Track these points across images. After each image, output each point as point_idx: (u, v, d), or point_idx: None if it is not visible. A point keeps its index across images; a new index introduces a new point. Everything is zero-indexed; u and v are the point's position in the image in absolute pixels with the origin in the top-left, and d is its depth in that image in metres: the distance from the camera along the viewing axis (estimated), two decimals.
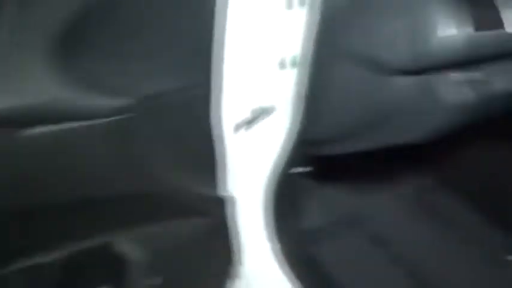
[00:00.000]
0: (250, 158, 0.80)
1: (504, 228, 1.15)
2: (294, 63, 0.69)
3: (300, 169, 0.90)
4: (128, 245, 0.88)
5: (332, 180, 1.21)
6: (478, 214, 1.19)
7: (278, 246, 0.86)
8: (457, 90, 0.57)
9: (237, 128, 0.75)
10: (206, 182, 0.73)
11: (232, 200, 0.79)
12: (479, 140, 1.18)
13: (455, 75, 0.58)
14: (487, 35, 0.54)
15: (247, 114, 0.74)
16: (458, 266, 1.10)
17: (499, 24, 0.55)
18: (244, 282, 0.86)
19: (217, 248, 0.77)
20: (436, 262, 1.10)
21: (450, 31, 0.53)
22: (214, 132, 0.73)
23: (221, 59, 0.68)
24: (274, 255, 0.87)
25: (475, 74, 0.57)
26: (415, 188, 1.28)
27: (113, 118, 0.69)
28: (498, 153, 1.18)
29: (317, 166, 0.99)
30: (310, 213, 1.11)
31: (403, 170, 1.28)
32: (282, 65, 0.69)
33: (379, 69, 0.59)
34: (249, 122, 0.76)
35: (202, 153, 0.73)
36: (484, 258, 1.11)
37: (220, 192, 0.78)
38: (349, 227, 1.16)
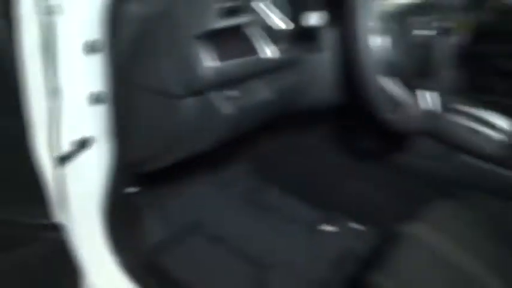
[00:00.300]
0: (81, 185, 0.87)
1: (316, 204, 1.42)
2: (100, 99, 0.80)
3: (131, 189, 1.01)
4: None
5: (166, 194, 1.34)
6: (295, 198, 1.45)
7: (122, 261, 0.95)
8: (226, 104, 0.75)
9: (61, 160, 0.83)
10: (36, 212, 0.79)
11: (65, 226, 0.86)
12: (282, 137, 1.44)
13: (226, 93, 0.77)
14: (238, 62, 0.73)
15: (67, 147, 0.83)
16: (287, 243, 1.32)
17: (247, 53, 0.75)
18: None
19: (60, 270, 0.83)
20: (269, 244, 1.30)
21: (212, 62, 0.70)
22: (38, 166, 0.79)
23: (33, 99, 0.75)
24: (121, 269, 0.95)
25: (234, 92, 0.76)
26: (238, 183, 1.49)
27: None
28: (301, 143, 1.47)
29: (146, 184, 1.10)
30: (153, 227, 1.22)
31: (225, 171, 1.49)
32: (93, 101, 0.80)
33: (168, 95, 0.74)
34: (71, 154, 0.83)
35: (28, 187, 0.79)
36: (305, 232, 1.35)
37: (53, 220, 0.84)
38: (190, 233, 1.29)
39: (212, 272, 1.18)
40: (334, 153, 1.38)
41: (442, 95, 1.09)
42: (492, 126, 1.19)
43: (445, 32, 0.91)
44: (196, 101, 0.74)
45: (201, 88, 0.72)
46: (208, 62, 0.68)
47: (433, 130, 1.11)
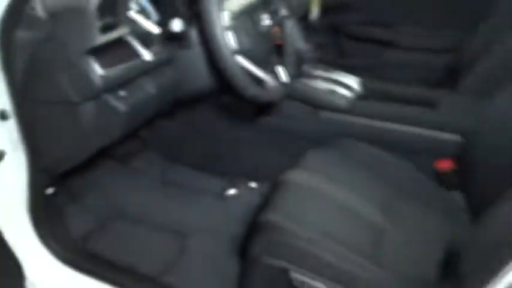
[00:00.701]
0: (5, 193, 0.99)
1: (220, 173, 1.64)
2: (5, 116, 0.91)
3: (50, 190, 1.14)
4: None
5: (84, 189, 1.48)
6: (202, 172, 1.66)
7: (55, 252, 1.08)
8: (120, 103, 0.92)
9: None
10: None
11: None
12: (179, 122, 1.63)
13: (118, 94, 0.94)
14: (124, 67, 0.90)
15: None
16: (201, 212, 1.51)
17: (130, 58, 0.93)
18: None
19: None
20: (185, 216, 1.48)
21: (101, 71, 0.87)
22: None
23: None
24: (56, 259, 1.09)
25: (124, 92, 0.93)
26: (150, 169, 1.68)
27: None
28: (196, 123, 1.66)
29: (63, 183, 1.23)
30: (77, 220, 1.35)
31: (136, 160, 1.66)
32: (1, 117, 0.92)
33: (68, 103, 0.89)
34: None
35: None
36: (214, 200, 1.56)
37: None
38: (113, 219, 1.44)
39: (139, 248, 1.35)
40: (225, 127, 1.59)
41: (298, 66, 1.36)
42: (344, 85, 1.50)
43: (285, 18, 1.16)
44: (94, 104, 0.90)
45: (96, 93, 0.89)
46: (98, 70, 0.85)
47: (294, 95, 1.38)
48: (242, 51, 0.97)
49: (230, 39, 0.92)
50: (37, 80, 0.89)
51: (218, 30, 0.88)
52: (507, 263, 0.63)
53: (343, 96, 1.44)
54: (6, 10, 0.80)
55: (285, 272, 0.97)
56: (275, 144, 1.53)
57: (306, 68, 1.48)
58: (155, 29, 1.01)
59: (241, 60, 0.96)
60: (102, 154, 1.46)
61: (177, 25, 0.99)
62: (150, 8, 1.07)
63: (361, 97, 1.47)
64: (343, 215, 1.08)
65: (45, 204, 1.08)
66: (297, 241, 0.96)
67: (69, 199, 1.37)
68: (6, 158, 0.95)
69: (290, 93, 1.41)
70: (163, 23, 1.01)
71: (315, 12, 2.00)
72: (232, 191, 1.57)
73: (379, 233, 1.05)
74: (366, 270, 0.93)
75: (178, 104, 1.20)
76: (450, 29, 1.97)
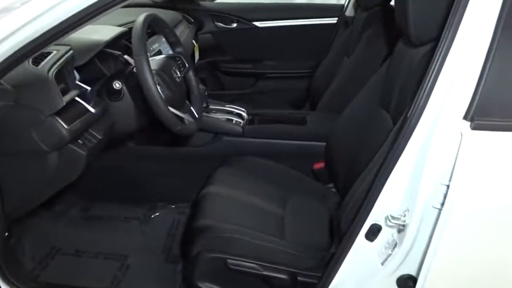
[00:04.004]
0: None
1: (141, 201, 1.88)
2: None
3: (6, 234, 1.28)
4: None
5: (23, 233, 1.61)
6: (124, 203, 1.88)
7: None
8: (82, 149, 1.17)
9: None
10: None
11: None
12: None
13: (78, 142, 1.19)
14: (80, 120, 1.16)
15: None
16: (131, 236, 1.74)
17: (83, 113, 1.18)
18: None
19: None
20: (118, 242, 1.69)
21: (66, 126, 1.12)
22: None
23: None
24: None
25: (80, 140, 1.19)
26: (71, 209, 1.86)
27: None
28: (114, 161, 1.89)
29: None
30: (22, 259, 1.47)
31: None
32: None
33: (38, 153, 1.10)
34: None
35: None
36: (141, 224, 1.80)
37: None
38: (52, 256, 1.59)
39: (85, 273, 1.54)
40: (143, 160, 1.85)
41: (202, 104, 1.70)
42: (235, 114, 1.88)
43: (188, 69, 1.50)
44: (58, 153, 1.13)
45: (64, 144, 1.12)
46: (65, 126, 1.09)
47: (201, 127, 1.71)
48: (167, 99, 1.27)
49: (160, 92, 1.22)
50: (7, 137, 1.08)
51: (153, 87, 1.17)
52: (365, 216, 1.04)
53: (236, 123, 1.82)
54: None
55: (223, 261, 1.29)
56: (186, 170, 1.84)
57: (205, 104, 1.84)
58: (87, 88, 1.27)
59: (169, 106, 1.27)
60: None
61: (117, 84, 1.26)
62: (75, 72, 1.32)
63: (249, 122, 1.87)
64: (254, 211, 1.43)
65: (5, 247, 1.23)
66: (229, 235, 1.28)
67: (15, 242, 1.49)
68: None
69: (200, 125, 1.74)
70: (87, 81, 1.27)
71: (196, 55, 2.38)
72: (155, 214, 1.83)
73: (279, 219, 1.42)
74: (278, 244, 1.29)
75: (111, 145, 1.44)
76: (306, 60, 2.50)
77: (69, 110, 1.14)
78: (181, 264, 1.55)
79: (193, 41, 2.32)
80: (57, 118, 1.09)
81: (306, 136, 1.80)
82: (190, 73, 1.52)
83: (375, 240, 1.04)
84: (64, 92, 1.14)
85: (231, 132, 1.79)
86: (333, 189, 1.68)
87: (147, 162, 1.86)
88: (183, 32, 2.20)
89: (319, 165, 1.75)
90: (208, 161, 1.75)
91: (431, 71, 0.88)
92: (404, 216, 0.97)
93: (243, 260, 1.28)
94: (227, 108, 1.88)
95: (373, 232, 1.04)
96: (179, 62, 1.47)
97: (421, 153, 0.93)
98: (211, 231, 1.30)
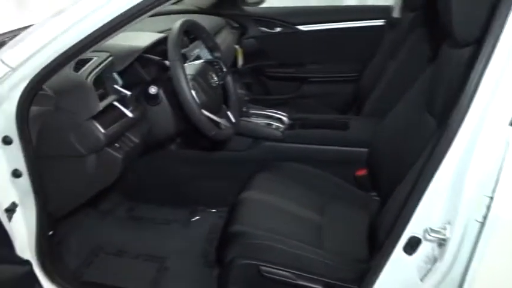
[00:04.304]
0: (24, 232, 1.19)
1: (183, 205, 1.91)
2: (18, 174, 1.12)
3: (50, 232, 1.34)
4: None
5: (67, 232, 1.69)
6: (166, 205, 1.91)
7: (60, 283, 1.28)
8: (118, 153, 1.20)
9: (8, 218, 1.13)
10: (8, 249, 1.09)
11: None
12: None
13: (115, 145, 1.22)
14: (117, 125, 1.19)
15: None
16: (172, 238, 1.76)
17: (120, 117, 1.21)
18: None
19: None
20: (159, 243, 1.72)
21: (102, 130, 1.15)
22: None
23: None
24: None
25: (117, 144, 1.21)
26: (117, 209, 1.92)
27: None
28: (157, 164, 1.93)
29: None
30: (66, 258, 1.54)
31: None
32: (14, 176, 1.13)
33: (77, 156, 1.14)
34: (9, 215, 1.14)
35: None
36: (181, 227, 1.82)
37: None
38: (98, 253, 1.65)
39: (125, 273, 1.58)
40: (185, 163, 1.88)
41: (241, 109, 1.70)
42: (276, 119, 1.86)
43: (226, 74, 1.50)
44: (96, 155, 1.16)
45: (100, 147, 1.15)
46: (102, 130, 1.12)
47: (240, 131, 1.71)
48: (202, 104, 1.28)
49: (195, 97, 1.23)
50: (48, 141, 1.13)
51: (187, 92, 1.19)
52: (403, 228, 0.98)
53: (276, 128, 1.80)
54: (22, 93, 1.05)
55: (256, 267, 1.27)
56: (226, 174, 1.84)
57: (244, 108, 1.83)
58: (127, 93, 1.30)
59: (204, 111, 1.28)
60: None
61: (153, 89, 1.29)
62: (116, 77, 1.36)
63: (289, 127, 1.84)
64: (290, 218, 1.40)
65: (48, 246, 1.27)
66: (263, 242, 1.26)
67: (58, 241, 1.56)
68: (18, 209, 1.16)
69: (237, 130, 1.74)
70: (127, 86, 1.30)
71: (240, 60, 2.38)
72: (195, 218, 1.85)
73: (317, 227, 1.38)
74: (314, 254, 1.25)
75: (150, 149, 1.47)
76: (351, 63, 2.44)
77: (107, 115, 1.17)
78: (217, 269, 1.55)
79: (237, 46, 2.33)
80: (95, 122, 1.12)
81: (347, 142, 1.75)
82: (228, 78, 1.53)
83: (414, 254, 0.98)
84: (102, 97, 1.17)
85: (270, 137, 1.77)
86: (376, 198, 1.61)
87: (189, 165, 1.88)
88: (226, 37, 2.21)
89: (361, 172, 1.69)
90: (248, 165, 1.74)
91: (474, 73, 0.82)
92: (445, 229, 0.90)
93: (277, 267, 1.25)
94: (267, 113, 1.87)
95: (412, 245, 0.98)
96: (217, 67, 1.48)
97: (463, 161, 0.86)
98: (245, 238, 1.29)
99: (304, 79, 2.54)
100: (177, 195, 1.92)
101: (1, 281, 1.03)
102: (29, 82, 1.04)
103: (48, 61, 1.01)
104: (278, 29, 2.46)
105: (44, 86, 1.11)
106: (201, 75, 1.33)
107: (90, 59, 1.22)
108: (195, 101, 1.21)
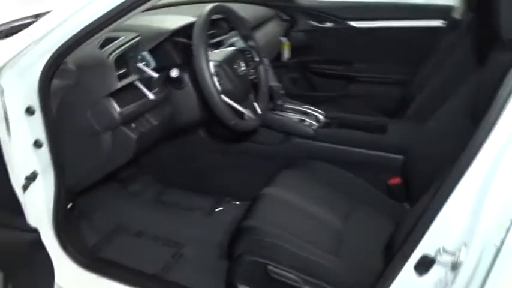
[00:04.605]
0: (38, 204, 1.22)
1: (207, 193, 1.90)
2: (40, 144, 1.16)
3: (69, 205, 1.37)
4: None
5: (91, 207, 1.72)
6: (192, 192, 1.91)
7: (72, 256, 1.31)
8: (132, 132, 1.19)
9: (23, 188, 1.17)
10: (17, 218, 1.13)
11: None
12: (171, 149, 1.90)
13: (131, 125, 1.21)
14: (134, 105, 1.18)
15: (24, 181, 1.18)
16: (192, 226, 1.76)
17: (139, 98, 1.20)
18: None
19: (38, 260, 1.16)
20: (179, 229, 1.73)
21: (118, 109, 1.15)
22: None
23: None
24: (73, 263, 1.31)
25: (134, 124, 1.21)
26: (146, 191, 1.94)
27: None
28: (186, 150, 1.93)
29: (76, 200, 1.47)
30: (86, 233, 1.58)
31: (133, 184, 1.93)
32: (36, 146, 1.16)
33: (91, 133, 1.15)
34: (27, 184, 1.18)
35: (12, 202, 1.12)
36: (204, 216, 1.82)
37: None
38: (116, 234, 1.69)
39: (142, 254, 1.59)
40: (211, 154, 1.86)
41: (272, 100, 1.64)
42: (311, 116, 1.79)
43: (258, 64, 1.45)
44: (111, 133, 1.17)
45: (115, 126, 1.15)
46: (117, 108, 1.12)
47: (270, 125, 1.65)
48: (225, 91, 1.24)
49: (216, 83, 1.19)
50: (66, 115, 1.14)
51: (207, 76, 1.16)
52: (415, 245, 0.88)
53: (309, 125, 1.72)
54: (47, 65, 1.07)
55: (263, 266, 1.22)
56: (254, 167, 1.80)
57: (279, 101, 1.77)
58: (155, 75, 1.29)
59: (225, 98, 1.24)
60: (105, 177, 1.72)
61: (174, 72, 1.27)
62: (150, 58, 1.36)
63: (324, 125, 1.75)
64: (309, 220, 1.33)
65: (66, 217, 1.30)
66: (272, 240, 1.21)
67: (79, 215, 1.60)
68: (38, 178, 1.19)
69: (267, 123, 1.69)
70: (160, 69, 1.29)
71: (286, 53, 2.32)
72: (219, 208, 1.83)
73: (336, 233, 1.30)
74: (327, 260, 1.18)
75: (172, 133, 1.46)
76: (403, 65, 2.29)
77: (126, 94, 1.17)
78: None
79: (284, 39, 2.27)
80: (111, 100, 1.13)
81: (383, 147, 1.63)
82: (261, 68, 1.48)
83: (425, 275, 0.88)
84: (123, 76, 1.17)
85: (301, 133, 1.69)
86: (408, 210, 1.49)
87: (219, 155, 1.86)
88: (273, 28, 2.16)
89: (395, 181, 1.57)
90: (277, 161, 1.70)
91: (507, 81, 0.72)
92: (460, 251, 0.80)
93: (284, 269, 1.19)
94: (303, 109, 1.79)
95: (424, 265, 0.88)
96: (248, 56, 1.43)
97: (487, 178, 0.75)
98: (255, 234, 1.24)
99: (352, 78, 2.42)
100: (204, 183, 1.91)
101: (10, 244, 1.06)
102: (51, 55, 1.05)
103: (69, 36, 1.02)
104: (329, 24, 2.36)
105: (67, 61, 1.13)
106: (227, 63, 1.30)
107: (118, 38, 1.22)
108: (215, 86, 1.17)
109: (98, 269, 1.30)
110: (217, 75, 1.23)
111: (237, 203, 1.85)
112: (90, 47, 1.15)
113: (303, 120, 1.74)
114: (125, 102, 1.16)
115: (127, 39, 1.22)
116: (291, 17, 2.38)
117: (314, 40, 2.41)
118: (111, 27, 1.03)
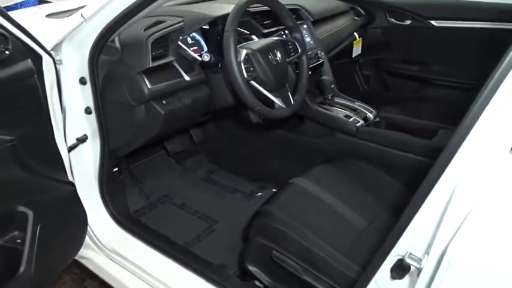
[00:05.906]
0: (81, 164, 1.40)
1: (250, 178, 1.97)
2: (90, 111, 1.34)
3: (115, 169, 1.55)
4: None
5: (143, 176, 1.91)
6: (237, 175, 2.00)
7: (113, 214, 1.47)
8: (162, 108, 1.31)
9: (70, 148, 1.36)
10: (58, 171, 1.29)
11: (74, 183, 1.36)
12: (224, 132, 2.00)
13: (161, 102, 1.33)
14: (167, 83, 1.29)
15: (74, 141, 1.37)
16: (230, 207, 1.85)
17: (175, 77, 1.31)
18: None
19: (73, 209, 1.34)
20: (217, 207, 1.84)
21: (150, 85, 1.28)
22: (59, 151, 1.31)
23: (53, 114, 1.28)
24: (112, 219, 1.48)
25: (165, 101, 1.32)
26: (197, 169, 2.06)
27: None
28: (237, 136, 2.02)
29: (128, 168, 1.64)
30: (133, 198, 1.76)
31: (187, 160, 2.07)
32: (86, 112, 1.34)
33: (127, 105, 1.30)
34: (75, 145, 1.37)
35: (56, 157, 1.30)
36: (243, 198, 1.90)
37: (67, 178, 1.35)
38: (162, 202, 1.85)
39: (176, 225, 1.73)
40: (265, 140, 1.92)
41: (322, 94, 1.65)
42: (359, 113, 1.75)
43: (300, 55, 1.47)
44: (144, 107, 1.30)
45: (145, 100, 1.28)
46: (148, 85, 1.25)
47: (316, 118, 1.65)
48: (255, 78, 1.29)
49: (243, 69, 1.25)
50: (109, 87, 1.30)
51: (233, 62, 1.22)
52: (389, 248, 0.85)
53: (354, 122, 1.69)
54: (95, 41, 1.23)
55: (269, 250, 1.26)
56: (297, 158, 1.82)
57: (329, 96, 1.77)
58: (196, 58, 1.38)
59: (255, 84, 1.29)
60: (162, 150, 1.89)
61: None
62: (202, 41, 1.46)
63: (370, 124, 1.71)
64: (329, 216, 1.31)
65: (110, 178, 1.48)
66: (283, 227, 1.23)
67: (130, 181, 1.80)
68: (88, 141, 1.38)
69: (313, 116, 1.70)
70: (210, 52, 1.38)
71: (357, 49, 2.27)
72: (259, 194, 1.89)
73: (356, 234, 1.26)
74: (334, 259, 1.16)
75: (209, 114, 1.56)
76: (483, 70, 2.08)
77: (160, 73, 1.29)
78: None
79: (356, 34, 2.23)
80: (144, 77, 1.25)
81: (427, 152, 1.54)
82: (303, 59, 1.49)
83: (398, 280, 0.85)
84: (160, 57, 1.29)
85: (343, 129, 1.67)
86: None
87: (267, 143, 1.92)
88: (343, 23, 2.13)
89: None
90: (320, 154, 1.70)
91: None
92: (423, 258, 0.76)
93: (287, 255, 1.22)
94: (353, 105, 1.76)
95: (400, 268, 0.85)
96: (290, 47, 1.46)
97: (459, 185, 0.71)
98: (268, 218, 1.28)
99: (427, 80, 2.28)
100: (251, 168, 1.98)
101: (46, 191, 1.24)
102: (99, 33, 1.21)
103: (111, 18, 1.17)
104: (408, 22, 2.25)
105: (115, 39, 1.28)
106: (261, 52, 1.34)
107: (163, 22, 1.34)
108: (240, 72, 1.23)
109: (132, 229, 1.45)
110: (248, 62, 1.29)
111: (275, 190, 1.89)
112: (135, 28, 1.29)
113: (349, 117, 1.71)
114: (158, 80, 1.28)
115: (171, 23, 1.34)
116: (368, 13, 2.32)
117: (390, 38, 2.32)
118: (147, 10, 1.16)
